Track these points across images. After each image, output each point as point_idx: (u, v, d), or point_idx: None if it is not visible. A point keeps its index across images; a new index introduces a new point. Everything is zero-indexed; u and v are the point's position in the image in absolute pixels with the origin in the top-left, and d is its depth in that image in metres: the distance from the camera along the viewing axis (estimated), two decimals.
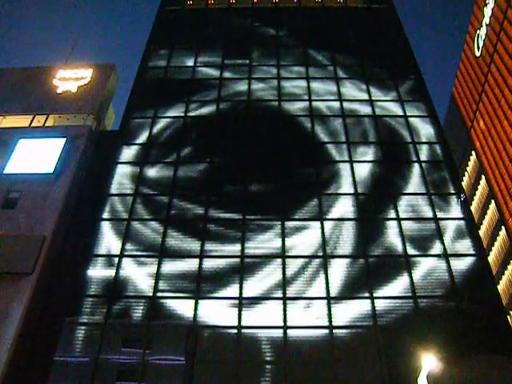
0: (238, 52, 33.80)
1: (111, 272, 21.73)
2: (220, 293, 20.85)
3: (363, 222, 23.29)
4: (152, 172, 26.13)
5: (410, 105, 29.52)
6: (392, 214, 23.48)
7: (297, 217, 23.55)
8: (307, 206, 23.97)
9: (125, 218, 23.84)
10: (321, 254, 21.96)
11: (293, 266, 21.63)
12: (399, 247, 22.18)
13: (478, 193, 44.07)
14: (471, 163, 46.43)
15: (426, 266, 21.41)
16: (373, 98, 29.83)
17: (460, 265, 21.43)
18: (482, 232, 40.90)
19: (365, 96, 30.04)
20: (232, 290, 20.87)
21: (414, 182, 25.01)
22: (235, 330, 19.62)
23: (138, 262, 22.14)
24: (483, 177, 42.94)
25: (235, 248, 22.31)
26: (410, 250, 22.03)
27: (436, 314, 19.90)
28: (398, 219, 23.21)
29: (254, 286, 21.04)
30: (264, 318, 20.02)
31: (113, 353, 19.32)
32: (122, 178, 25.89)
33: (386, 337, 19.22)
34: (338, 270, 21.46)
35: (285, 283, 20.97)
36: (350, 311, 20.05)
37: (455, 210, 23.72)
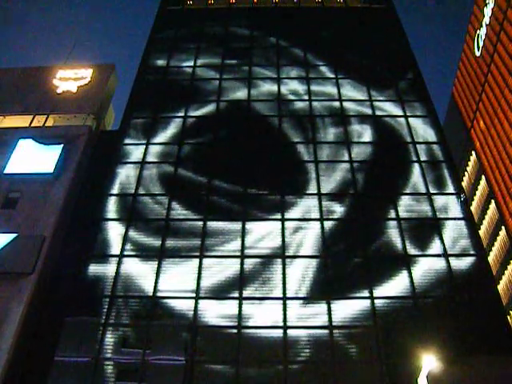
0: (238, 52, 33.79)
1: (111, 272, 21.72)
2: (220, 292, 20.86)
3: (363, 221, 23.30)
4: (152, 171, 26.13)
5: (410, 105, 29.51)
6: (392, 214, 23.49)
7: (296, 217, 23.56)
8: (306, 206, 23.97)
9: (125, 219, 23.85)
10: (320, 253, 21.96)
11: (292, 265, 21.64)
12: (399, 247, 22.18)
13: (478, 193, 44.04)
14: (471, 163, 46.40)
15: (425, 266, 21.41)
16: (373, 99, 29.81)
17: (460, 265, 21.43)
18: (481, 232, 40.89)
19: (365, 96, 30.02)
20: (232, 290, 20.87)
21: (414, 182, 25.01)
22: (235, 330, 19.63)
23: (138, 263, 22.14)
24: (483, 177, 42.92)
25: (234, 247, 22.36)
26: (410, 250, 22.03)
27: (436, 313, 19.90)
28: (398, 219, 23.21)
29: (255, 285, 21.04)
30: (264, 318, 20.02)
31: (113, 353, 19.34)
32: (121, 177, 25.88)
33: (386, 337, 19.24)
34: (339, 270, 21.47)
35: (284, 283, 20.97)
36: (350, 311, 20.04)
37: (455, 210, 23.72)
